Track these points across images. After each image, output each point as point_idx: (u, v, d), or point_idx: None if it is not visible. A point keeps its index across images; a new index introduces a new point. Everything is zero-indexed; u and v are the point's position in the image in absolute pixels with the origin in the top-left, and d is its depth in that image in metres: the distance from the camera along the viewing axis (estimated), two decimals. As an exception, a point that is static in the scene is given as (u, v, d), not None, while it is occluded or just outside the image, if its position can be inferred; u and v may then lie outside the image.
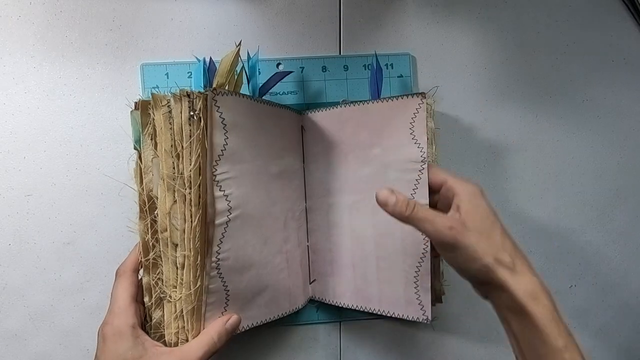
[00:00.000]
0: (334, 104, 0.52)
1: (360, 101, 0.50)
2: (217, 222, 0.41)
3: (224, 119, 0.41)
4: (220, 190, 0.41)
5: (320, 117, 0.53)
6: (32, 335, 0.53)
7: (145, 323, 0.43)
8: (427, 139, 0.46)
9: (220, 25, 0.56)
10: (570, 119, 0.61)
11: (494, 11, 0.60)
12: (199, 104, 0.40)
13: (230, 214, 0.42)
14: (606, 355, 0.61)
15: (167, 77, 0.54)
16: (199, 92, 0.40)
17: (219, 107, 0.41)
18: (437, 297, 0.52)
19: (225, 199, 0.41)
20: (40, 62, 0.53)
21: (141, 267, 0.43)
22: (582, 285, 0.61)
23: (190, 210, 0.40)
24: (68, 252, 0.53)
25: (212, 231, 0.40)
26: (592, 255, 0.61)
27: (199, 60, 0.46)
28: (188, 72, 0.54)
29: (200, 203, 0.40)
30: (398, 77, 0.56)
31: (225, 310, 0.42)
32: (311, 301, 0.55)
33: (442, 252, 0.42)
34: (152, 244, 0.42)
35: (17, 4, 0.53)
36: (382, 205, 0.41)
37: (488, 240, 0.40)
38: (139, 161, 0.43)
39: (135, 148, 0.44)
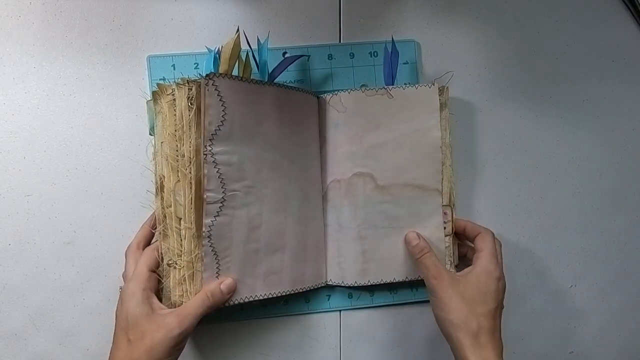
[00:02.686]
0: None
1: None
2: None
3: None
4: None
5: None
6: (32, 335, 0.53)
7: (160, 290, 0.48)
8: (443, 125, 0.53)
9: (220, 25, 0.56)
10: (570, 119, 0.61)
11: (494, 11, 0.60)
12: (193, 90, 0.45)
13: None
14: (606, 355, 0.61)
15: (174, 69, 0.54)
16: (195, 79, 0.45)
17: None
18: None
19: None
20: (40, 62, 0.53)
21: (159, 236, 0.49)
22: (582, 285, 0.61)
23: (191, 187, 0.45)
24: (68, 252, 0.53)
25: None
26: (592, 255, 0.61)
27: (210, 51, 0.48)
28: (194, 63, 0.54)
29: (194, 181, 0.45)
30: (404, 63, 0.56)
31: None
32: (326, 289, 0.56)
33: (428, 293, 0.49)
34: (163, 217, 0.48)
35: (17, 4, 0.53)
36: (407, 242, 0.53)
37: (468, 306, 0.46)
38: (153, 145, 0.49)
39: (150, 134, 0.50)
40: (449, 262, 0.53)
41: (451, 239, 0.54)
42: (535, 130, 0.60)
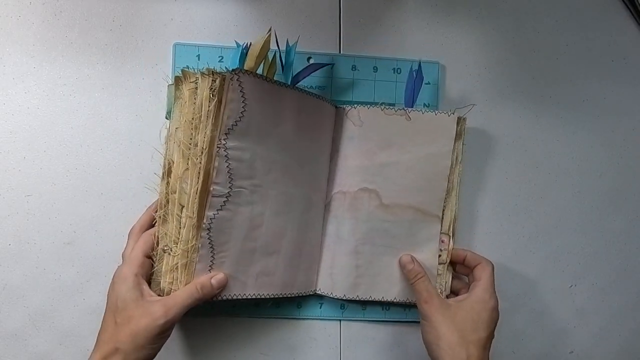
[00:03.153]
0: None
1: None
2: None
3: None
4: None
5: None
6: (32, 335, 0.53)
7: (152, 275, 0.48)
8: (455, 155, 0.54)
9: (220, 25, 0.56)
10: (570, 118, 0.61)
11: (494, 11, 0.60)
12: (217, 82, 0.44)
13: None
14: (606, 355, 0.61)
15: (199, 59, 0.54)
16: (220, 72, 0.45)
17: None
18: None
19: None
20: (40, 62, 0.53)
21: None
22: (582, 285, 0.61)
23: (199, 177, 0.45)
24: (68, 252, 0.53)
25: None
26: (592, 255, 0.61)
27: (238, 45, 0.48)
28: (219, 56, 0.55)
29: (203, 172, 0.45)
30: (426, 83, 0.56)
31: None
32: (318, 296, 0.56)
33: (420, 318, 0.50)
34: (165, 201, 0.47)
35: (17, 4, 0.53)
36: (401, 266, 0.53)
37: (458, 332, 0.46)
38: (167, 129, 0.49)
39: (166, 117, 0.50)
40: (440, 291, 0.54)
41: (445, 267, 0.54)
42: (535, 130, 0.60)
